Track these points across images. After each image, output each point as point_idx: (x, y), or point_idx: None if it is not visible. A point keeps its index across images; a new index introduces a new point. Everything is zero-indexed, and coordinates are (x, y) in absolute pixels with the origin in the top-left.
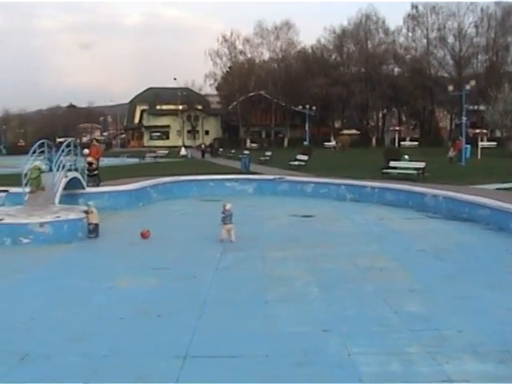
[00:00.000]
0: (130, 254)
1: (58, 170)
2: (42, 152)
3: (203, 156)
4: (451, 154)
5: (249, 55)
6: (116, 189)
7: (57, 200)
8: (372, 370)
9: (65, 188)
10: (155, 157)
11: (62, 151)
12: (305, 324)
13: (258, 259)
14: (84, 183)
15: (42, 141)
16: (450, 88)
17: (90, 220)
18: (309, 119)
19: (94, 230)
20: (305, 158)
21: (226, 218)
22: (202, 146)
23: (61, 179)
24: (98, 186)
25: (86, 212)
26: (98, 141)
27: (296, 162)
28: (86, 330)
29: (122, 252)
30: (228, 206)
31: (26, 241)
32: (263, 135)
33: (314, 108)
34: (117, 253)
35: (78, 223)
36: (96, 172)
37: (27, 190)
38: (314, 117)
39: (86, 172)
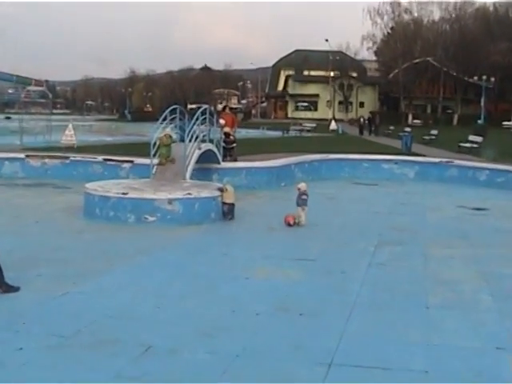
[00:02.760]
0: (270, 240)
1: (190, 140)
2: (173, 119)
3: (361, 132)
4: None
5: (415, 14)
6: (255, 165)
7: (188, 175)
8: None
9: (197, 161)
10: (301, 130)
11: (197, 119)
12: (473, 338)
13: (419, 256)
14: (219, 157)
15: (173, 106)
16: None
17: (225, 199)
18: (485, 93)
19: (229, 211)
20: (478, 139)
21: (303, 200)
22: (361, 119)
23: (193, 151)
24: (235, 160)
25: (221, 190)
26: (231, 109)
27: (467, 144)
28: (217, 324)
29: (260, 238)
30: (302, 186)
31: (151, 219)
32: (428, 110)
33: (492, 80)
34: (254, 239)
35: (211, 202)
36: (234, 145)
37: (155, 161)
38: (491, 90)
39: (223, 144)
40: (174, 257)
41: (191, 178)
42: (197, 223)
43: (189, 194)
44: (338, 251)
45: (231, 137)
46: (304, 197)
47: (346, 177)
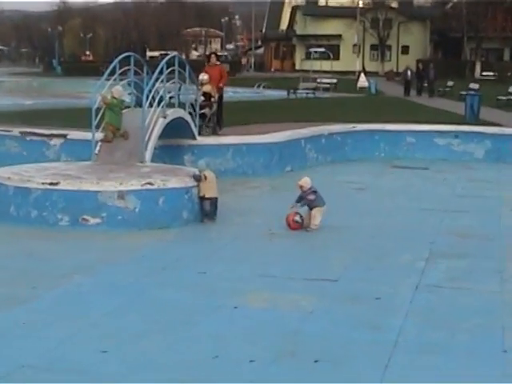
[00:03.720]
0: (269, 252)
1: (151, 105)
2: (126, 73)
3: (407, 91)
4: None
5: None
6: (247, 141)
7: (148, 155)
8: None
9: (162, 136)
10: (314, 89)
11: (160, 73)
12: None
13: (491, 274)
14: (195, 129)
15: (125, 54)
16: None
17: (204, 192)
18: None
19: (209, 210)
20: None
21: (311, 201)
22: (408, 72)
23: (156, 121)
24: (217, 134)
25: (197, 178)
26: (219, 58)
27: None
28: (192, 376)
29: (254, 249)
30: (304, 182)
31: (94, 221)
32: (505, 57)
33: None
34: (246, 249)
35: (182, 196)
36: (214, 109)
37: (99, 135)
38: None
39: (203, 111)
40: (129, 277)
41: (153, 161)
42: (162, 227)
43: (149, 183)
44: (370, 267)
45: (212, 99)
46: (311, 196)
47: (382, 157)
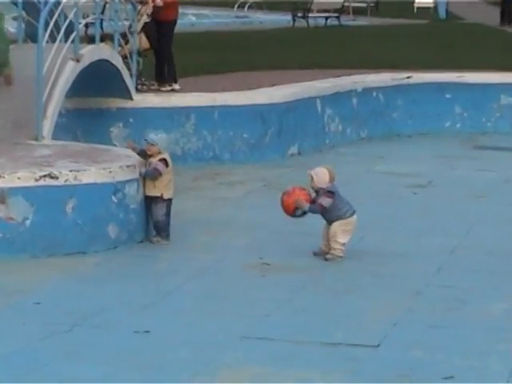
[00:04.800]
0: (260, 297)
1: (53, 39)
2: None
3: (507, 17)
4: None
5: None
6: (222, 101)
7: (47, 127)
8: None
9: (72, 93)
10: (339, 11)
11: None
12: None
13: None
14: (129, 82)
15: None
16: None
17: (159, 189)
18: None
19: (164, 221)
20: None
21: (333, 207)
22: None
23: (61, 66)
24: (169, 86)
25: (141, 154)
26: None
27: None
28: None
29: (234, 290)
30: (320, 174)
31: None
32: None
33: None
34: (220, 292)
35: (107, 198)
36: (158, 45)
37: None
38: None
39: (139, 47)
40: (13, 342)
41: (56, 137)
42: (72, 252)
43: (50, 176)
44: (435, 324)
45: (168, 23)
46: (325, 201)
47: (457, 131)
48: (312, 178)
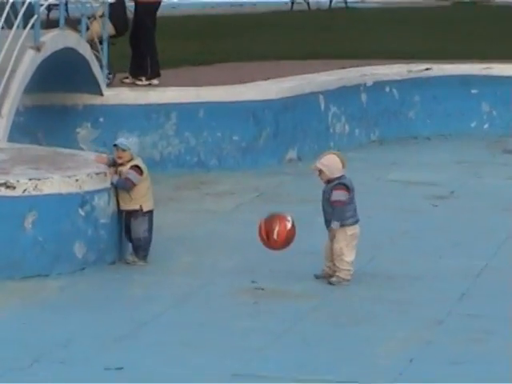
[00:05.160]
0: (253, 328)
1: (10, 24)
2: None
3: None
4: None
5: None
6: (208, 97)
7: (2, 127)
8: None
9: (33, 87)
10: None
11: None
12: None
13: None
14: (100, 75)
15: None
16: None
17: (125, 203)
18: None
19: (146, 238)
20: None
21: (345, 203)
22: None
23: (18, 56)
24: (147, 79)
25: (111, 164)
26: None
27: None
28: None
29: (222, 321)
30: (328, 162)
31: None
32: None
33: None
34: (205, 323)
35: (72, 211)
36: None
37: None
38: None
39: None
40: None
41: (12, 139)
42: (31, 275)
43: (6, 185)
44: (457, 360)
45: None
46: (341, 194)
47: (485, 132)
48: (321, 171)
